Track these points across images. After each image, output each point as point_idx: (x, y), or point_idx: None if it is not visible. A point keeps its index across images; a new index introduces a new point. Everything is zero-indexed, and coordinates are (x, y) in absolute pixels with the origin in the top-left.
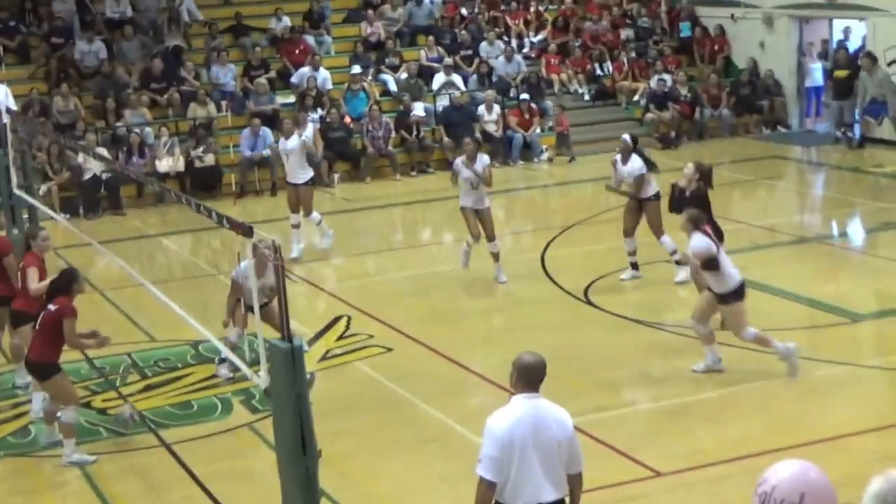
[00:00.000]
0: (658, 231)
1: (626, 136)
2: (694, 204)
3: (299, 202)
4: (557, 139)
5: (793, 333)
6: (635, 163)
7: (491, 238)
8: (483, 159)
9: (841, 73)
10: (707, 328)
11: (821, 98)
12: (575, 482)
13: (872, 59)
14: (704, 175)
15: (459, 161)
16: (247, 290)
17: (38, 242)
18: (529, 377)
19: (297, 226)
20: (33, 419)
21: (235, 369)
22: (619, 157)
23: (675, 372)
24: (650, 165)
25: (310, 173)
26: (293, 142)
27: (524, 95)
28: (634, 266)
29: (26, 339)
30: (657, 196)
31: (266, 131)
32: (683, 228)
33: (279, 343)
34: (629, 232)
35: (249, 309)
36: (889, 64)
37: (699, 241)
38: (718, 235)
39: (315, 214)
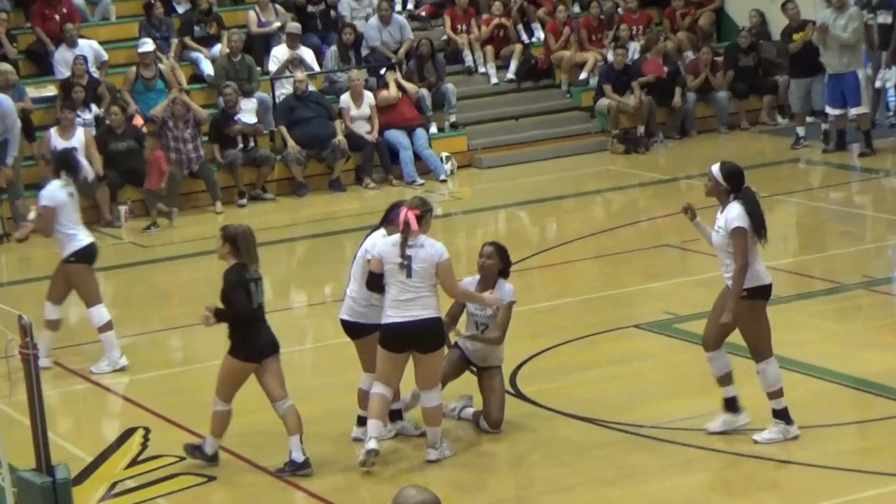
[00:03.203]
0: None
1: (714, 165)
2: None
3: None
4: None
5: (834, 433)
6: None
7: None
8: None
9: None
10: None
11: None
12: None
13: None
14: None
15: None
16: None
17: None
18: None
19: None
20: None
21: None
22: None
23: (641, 494)
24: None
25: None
26: None
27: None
28: (731, 405)
29: None
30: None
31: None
32: None
33: (33, 477)
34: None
35: None
36: None
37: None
38: None
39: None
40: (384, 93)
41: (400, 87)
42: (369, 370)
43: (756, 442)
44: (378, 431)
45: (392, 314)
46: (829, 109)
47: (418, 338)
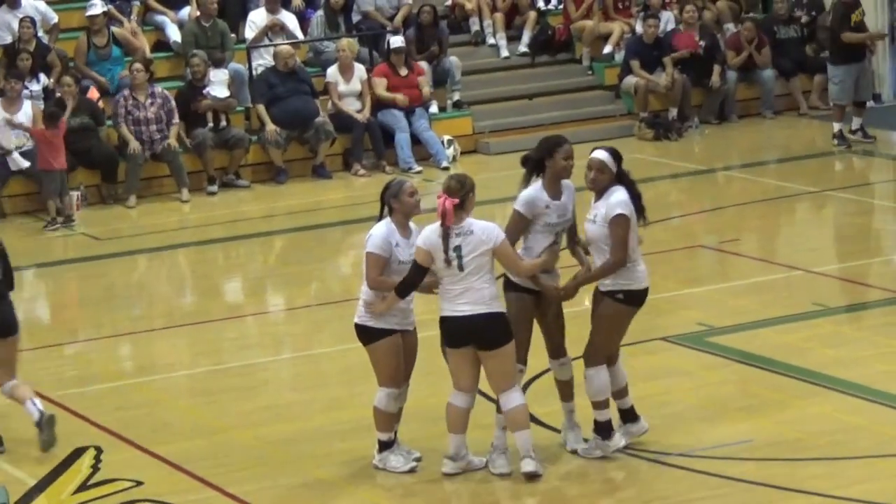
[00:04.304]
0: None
1: (602, 153)
2: None
3: None
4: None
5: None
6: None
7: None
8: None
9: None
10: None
11: None
12: None
13: None
14: None
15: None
16: None
17: None
18: None
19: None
20: None
21: None
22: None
23: None
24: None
25: None
26: None
27: (395, 40)
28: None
29: None
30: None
31: None
32: None
33: None
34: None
35: None
36: None
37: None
38: None
39: None
40: (377, 81)
41: (409, 67)
42: (384, 384)
43: (577, 454)
44: (456, 450)
45: (445, 307)
46: None
47: (475, 335)
